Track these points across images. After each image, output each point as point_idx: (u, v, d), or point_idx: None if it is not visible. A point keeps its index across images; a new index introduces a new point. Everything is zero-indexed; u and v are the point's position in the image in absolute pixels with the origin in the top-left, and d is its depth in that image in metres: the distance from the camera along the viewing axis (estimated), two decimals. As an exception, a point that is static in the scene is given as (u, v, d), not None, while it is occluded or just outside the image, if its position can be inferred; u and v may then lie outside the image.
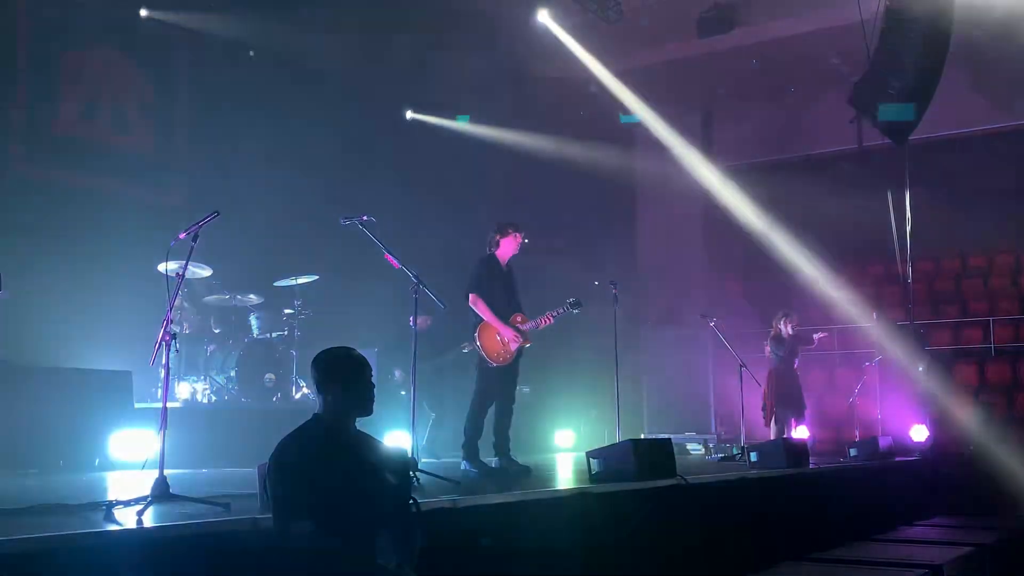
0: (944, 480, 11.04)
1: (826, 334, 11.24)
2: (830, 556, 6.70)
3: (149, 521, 3.68)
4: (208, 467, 7.03)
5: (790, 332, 10.61)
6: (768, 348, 10.72)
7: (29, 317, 7.51)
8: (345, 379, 3.45)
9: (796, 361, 10.83)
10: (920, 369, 11.61)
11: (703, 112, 16.31)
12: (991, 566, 7.16)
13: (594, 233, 13.77)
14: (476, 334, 6.89)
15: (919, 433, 11.33)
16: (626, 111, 13.85)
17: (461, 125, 12.48)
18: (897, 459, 10.37)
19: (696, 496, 5.93)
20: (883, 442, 10.16)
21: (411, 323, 6.41)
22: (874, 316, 12.56)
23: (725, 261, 15.98)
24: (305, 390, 8.85)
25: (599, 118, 13.96)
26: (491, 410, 6.99)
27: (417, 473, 5.43)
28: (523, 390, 9.22)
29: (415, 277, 6.07)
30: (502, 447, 6.93)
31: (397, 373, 9.19)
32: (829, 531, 7.37)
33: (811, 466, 8.29)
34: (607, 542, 5.00)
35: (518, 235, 7.11)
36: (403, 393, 8.90)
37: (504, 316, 6.94)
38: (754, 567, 5.94)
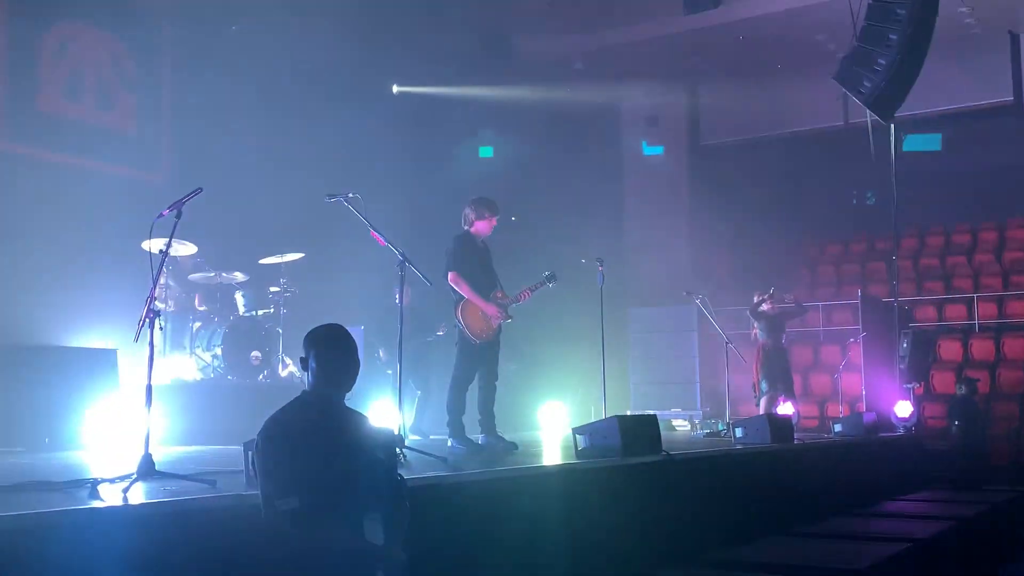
0: (928, 456, 11.17)
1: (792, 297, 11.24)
2: (814, 530, 6.75)
3: (135, 498, 3.66)
4: (194, 444, 7.00)
5: (770, 309, 10.64)
6: (755, 327, 10.76)
7: (12, 296, 7.47)
8: (331, 356, 3.43)
9: (783, 337, 10.88)
10: (904, 345, 11.68)
11: (689, 89, 16.28)
12: (973, 540, 7.24)
13: (580, 210, 13.74)
14: (458, 311, 6.87)
15: (903, 409, 11.40)
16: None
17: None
18: (881, 435, 10.45)
19: (682, 471, 5.96)
20: (867, 418, 10.23)
21: (396, 300, 6.38)
22: (858, 293, 12.62)
23: (711, 238, 16.02)
24: (292, 368, 8.83)
25: (584, 94, 13.90)
26: (475, 387, 6.99)
27: (403, 450, 5.42)
28: (510, 367, 9.26)
29: (401, 254, 6.03)
30: (487, 424, 6.93)
31: (381, 352, 9.19)
32: (813, 506, 7.42)
33: (796, 441, 8.34)
34: (593, 518, 5.01)
35: (493, 217, 7.09)
36: (388, 372, 8.90)
37: (484, 293, 6.92)
38: (739, 541, 5.98)
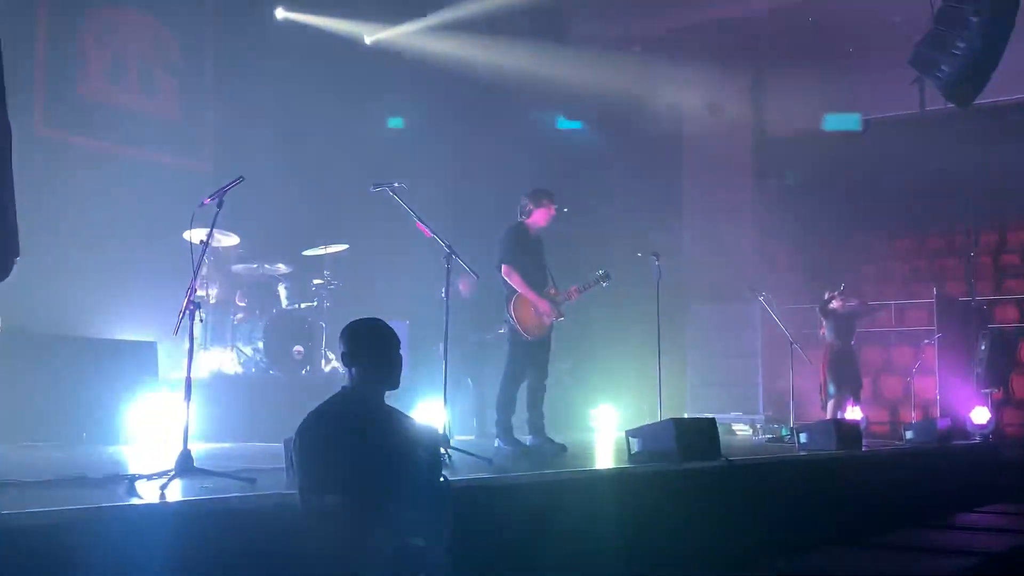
0: (1006, 465, 10.68)
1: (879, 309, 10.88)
2: (881, 542, 6.44)
3: (172, 495, 3.66)
4: (234, 440, 6.94)
5: (840, 308, 10.31)
6: (823, 326, 10.43)
7: (50, 285, 7.42)
8: (373, 352, 3.38)
9: (853, 338, 10.55)
10: (982, 348, 11.20)
11: (754, 75, 15.81)
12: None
13: (638, 202, 13.43)
14: (510, 306, 6.69)
15: (980, 415, 10.96)
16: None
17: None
18: (956, 443, 10.08)
19: (740, 478, 5.78)
20: (941, 424, 9.88)
21: (443, 295, 6.19)
22: (934, 291, 12.13)
23: (776, 233, 15.56)
24: (334, 363, 8.70)
25: (641, 80, 13.53)
26: (525, 386, 6.76)
27: (448, 450, 5.26)
28: (562, 366, 9.00)
29: (447, 247, 5.89)
30: (536, 424, 6.77)
31: (442, 347, 9.03)
32: (882, 516, 7.15)
33: (864, 448, 8.06)
34: (646, 525, 4.85)
35: (552, 206, 6.86)
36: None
37: (537, 288, 6.74)
38: (800, 552, 5.70)
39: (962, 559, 5.62)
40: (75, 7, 9.08)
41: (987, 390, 11.28)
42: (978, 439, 10.78)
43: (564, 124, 13.15)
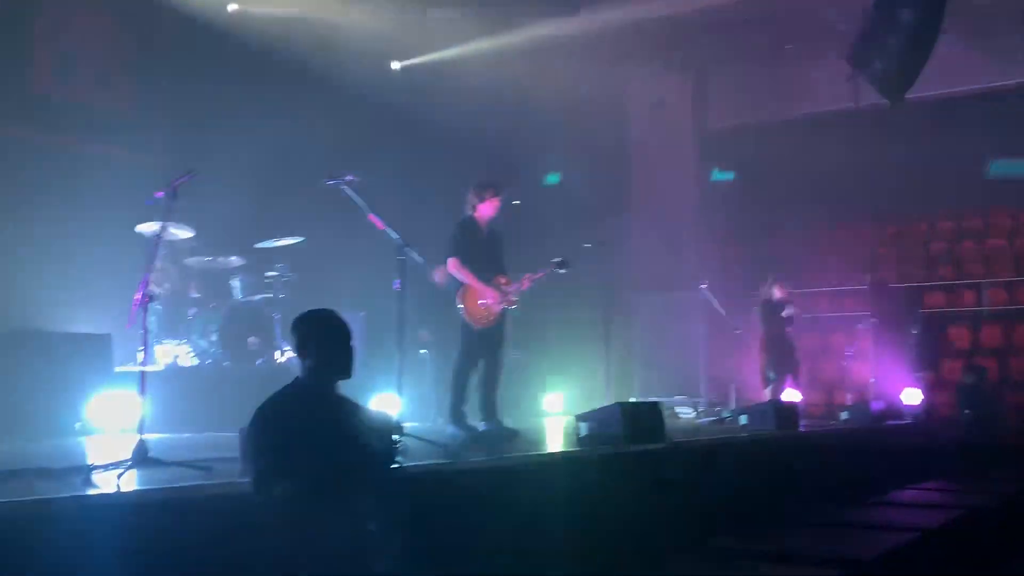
0: (937, 445, 11.03)
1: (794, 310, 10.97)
2: (818, 520, 6.63)
3: (129, 486, 3.66)
4: (189, 431, 6.92)
5: (780, 296, 10.52)
6: (759, 313, 10.64)
7: (2, 279, 7.35)
8: (324, 342, 3.43)
9: (790, 324, 10.75)
10: (914, 332, 11.55)
11: (696, 71, 16.07)
12: (983, 529, 7.11)
13: (585, 195, 13.58)
14: (459, 297, 6.80)
15: (913, 397, 11.28)
16: None
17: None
18: (890, 423, 10.35)
19: (685, 459, 5.91)
20: (875, 406, 10.16)
21: (397, 287, 6.26)
22: (867, 278, 12.47)
23: (720, 224, 15.85)
24: (290, 353, 8.73)
25: (588, 75, 13.69)
26: (478, 373, 6.89)
27: (402, 437, 5.33)
28: (514, 354, 9.15)
29: (399, 239, 5.93)
30: (489, 411, 6.87)
31: (423, 333, 9.17)
32: (818, 495, 7.32)
33: (801, 429, 8.25)
34: (595, 506, 4.93)
35: (496, 197, 6.99)
36: (423, 352, 8.85)
37: (486, 278, 6.84)
38: (744, 530, 5.88)
39: (897, 535, 5.77)
40: (28, 2, 8.99)
41: (919, 373, 11.61)
42: (911, 420, 11.03)
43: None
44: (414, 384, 8.93)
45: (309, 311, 3.52)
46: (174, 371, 8.22)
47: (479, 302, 6.80)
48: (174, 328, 8.53)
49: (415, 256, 6.02)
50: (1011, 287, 14.54)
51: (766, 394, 10.27)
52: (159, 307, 8.01)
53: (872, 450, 9.10)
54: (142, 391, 4.46)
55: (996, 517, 7.57)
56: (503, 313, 6.93)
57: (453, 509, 4.15)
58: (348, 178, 5.96)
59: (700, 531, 5.63)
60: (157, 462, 4.17)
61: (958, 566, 6.47)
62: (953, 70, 13.33)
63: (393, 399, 6.02)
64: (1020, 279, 14.55)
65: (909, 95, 9.81)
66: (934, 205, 16.27)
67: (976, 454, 10.86)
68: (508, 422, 6.84)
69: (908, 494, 8.40)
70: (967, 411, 11.21)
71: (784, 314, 10.41)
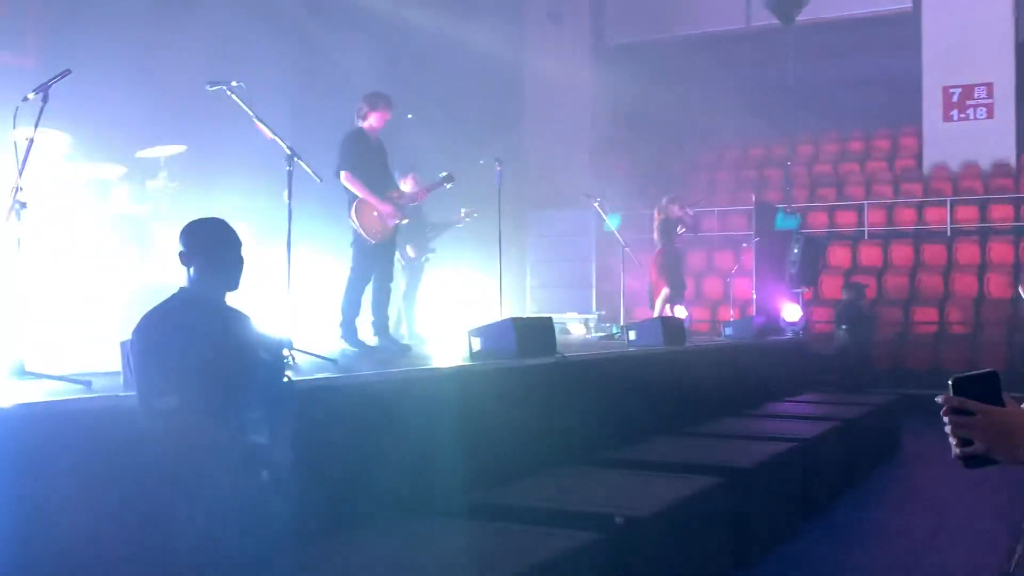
0: (815, 359, 11.53)
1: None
2: (703, 430, 6.89)
3: (5, 400, 3.41)
4: (68, 342, 6.65)
5: (679, 214, 10.54)
6: (656, 231, 10.63)
7: None
8: (211, 251, 3.30)
9: (677, 241, 10.91)
10: (795, 251, 11.92)
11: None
12: (855, 439, 7.51)
13: (480, 111, 13.43)
14: (352, 211, 6.67)
15: (792, 313, 11.69)
16: None
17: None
18: (770, 338, 10.70)
19: (574, 373, 5.97)
20: (756, 321, 10.45)
21: (286, 198, 6.10)
22: (753, 198, 12.78)
23: (612, 142, 15.95)
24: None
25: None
26: (369, 288, 6.84)
27: (292, 351, 5.27)
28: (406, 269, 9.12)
29: (289, 148, 5.75)
30: (381, 326, 6.85)
31: (408, 248, 9.07)
32: (704, 407, 7.56)
33: (687, 344, 8.46)
34: (487, 419, 4.97)
35: (388, 109, 6.86)
36: (402, 264, 8.91)
37: (380, 191, 6.73)
38: (631, 442, 6.05)
39: (778, 444, 6.09)
40: None
41: (798, 289, 12.03)
42: (790, 335, 11.48)
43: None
44: (303, 299, 8.83)
45: (196, 219, 3.37)
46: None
47: (373, 213, 6.69)
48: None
49: (305, 168, 5.86)
50: (890, 208, 15.15)
51: (654, 310, 10.43)
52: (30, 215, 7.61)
53: (753, 364, 9.44)
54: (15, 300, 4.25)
55: (867, 428, 8.01)
56: (395, 228, 6.86)
57: (344, 423, 4.10)
58: (233, 83, 5.71)
59: (589, 443, 5.76)
60: (34, 375, 4.02)
61: (831, 472, 6.85)
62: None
63: (281, 313, 5.91)
64: (898, 201, 15.17)
65: (800, 18, 9.93)
66: (818, 128, 16.73)
67: (850, 368, 11.41)
68: (400, 338, 6.82)
69: (786, 406, 8.80)
70: (843, 327, 11.70)
71: (679, 231, 10.54)
